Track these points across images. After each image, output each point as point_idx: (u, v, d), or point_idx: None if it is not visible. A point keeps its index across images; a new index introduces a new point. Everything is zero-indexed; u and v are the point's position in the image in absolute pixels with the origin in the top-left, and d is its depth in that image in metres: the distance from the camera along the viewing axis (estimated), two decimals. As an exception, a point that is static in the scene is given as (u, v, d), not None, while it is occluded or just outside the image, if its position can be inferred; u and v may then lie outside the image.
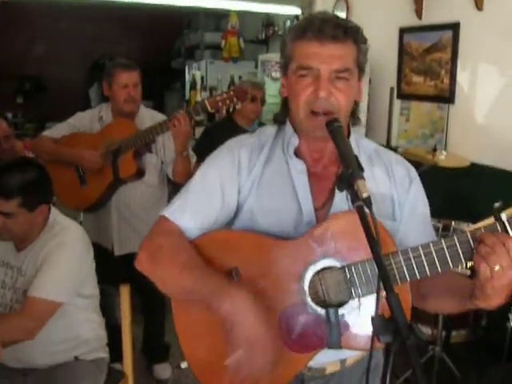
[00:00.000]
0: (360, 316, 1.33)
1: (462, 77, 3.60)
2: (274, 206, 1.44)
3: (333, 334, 1.30)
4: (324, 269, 1.35)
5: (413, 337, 0.97)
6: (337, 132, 1.32)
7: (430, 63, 3.79)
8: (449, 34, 3.59)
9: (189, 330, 1.42)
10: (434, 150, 3.42)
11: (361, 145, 1.54)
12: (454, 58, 3.60)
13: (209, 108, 2.81)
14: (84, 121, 3.21)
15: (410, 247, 1.30)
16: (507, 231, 1.22)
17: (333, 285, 1.34)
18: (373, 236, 1.09)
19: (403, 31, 3.99)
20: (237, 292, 1.28)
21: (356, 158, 1.23)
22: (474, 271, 1.25)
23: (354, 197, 1.15)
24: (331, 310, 1.31)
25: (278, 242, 1.38)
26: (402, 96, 4.11)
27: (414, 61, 3.93)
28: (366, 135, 4.24)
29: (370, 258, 1.29)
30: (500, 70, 3.32)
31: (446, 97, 3.68)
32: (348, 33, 1.36)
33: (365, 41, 1.41)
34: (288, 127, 1.51)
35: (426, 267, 1.28)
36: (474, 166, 3.40)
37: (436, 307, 1.51)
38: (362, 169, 1.20)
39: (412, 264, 1.29)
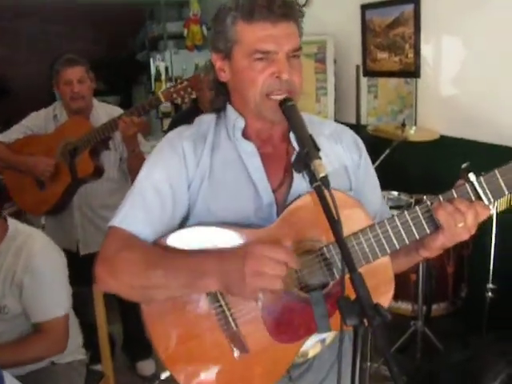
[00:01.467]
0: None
1: (426, 50, 3.58)
2: (229, 195, 1.40)
3: (320, 317, 1.27)
4: (301, 253, 1.32)
5: (379, 317, 0.95)
6: (291, 111, 1.29)
7: (393, 38, 3.77)
8: (410, 7, 3.57)
9: (159, 320, 1.37)
10: (403, 125, 3.43)
11: (314, 122, 1.51)
12: (416, 31, 3.57)
13: (162, 100, 2.77)
14: (38, 121, 3.16)
15: (377, 222, 1.30)
16: (477, 192, 1.24)
17: (313, 268, 1.32)
18: (333, 217, 1.07)
19: (365, 7, 3.95)
20: (213, 265, 1.23)
21: (311, 137, 1.20)
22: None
23: (312, 177, 1.12)
24: (315, 294, 1.29)
25: (247, 231, 1.34)
26: (369, 73, 4.09)
27: (377, 37, 3.90)
28: (335, 115, 4.24)
29: (348, 235, 1.29)
30: (463, 41, 3.30)
31: (412, 71, 3.67)
32: (293, 9, 1.34)
33: (302, 15, 1.38)
34: (230, 111, 1.46)
35: (395, 240, 1.29)
36: (443, 138, 3.40)
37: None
38: (317, 148, 1.17)
39: (381, 239, 1.29)
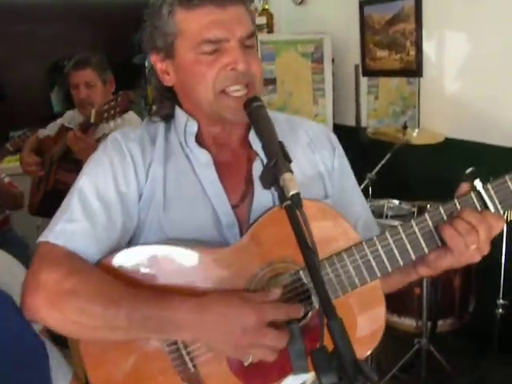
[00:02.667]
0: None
1: (428, 47, 3.38)
2: (185, 212, 1.20)
3: (297, 356, 1.04)
4: (272, 277, 1.12)
5: (361, 378, 0.73)
6: (258, 113, 1.08)
7: (393, 35, 3.58)
8: (411, 2, 3.37)
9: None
10: (405, 127, 3.24)
11: (280, 121, 1.32)
12: (418, 27, 3.37)
13: (92, 119, 2.48)
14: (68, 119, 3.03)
15: (366, 241, 1.11)
16: (484, 201, 1.10)
17: (287, 295, 1.12)
18: (306, 243, 0.85)
19: (363, 3, 3.75)
20: (193, 318, 1.03)
21: (281, 145, 0.99)
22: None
23: (281, 194, 0.91)
24: (290, 327, 1.05)
25: (208, 251, 1.14)
26: (368, 73, 3.89)
27: (376, 34, 3.71)
28: (334, 118, 4.04)
29: (329, 256, 1.10)
30: (468, 36, 3.10)
31: (414, 70, 3.47)
32: None
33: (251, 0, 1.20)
34: (180, 114, 1.26)
35: (387, 262, 1.11)
36: (448, 141, 3.20)
37: None
38: (288, 159, 0.95)
39: (370, 261, 1.11)
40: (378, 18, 3.66)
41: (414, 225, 1.10)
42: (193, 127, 1.23)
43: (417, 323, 2.90)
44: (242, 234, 1.18)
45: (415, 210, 2.73)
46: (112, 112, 2.43)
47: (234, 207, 1.21)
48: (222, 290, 1.11)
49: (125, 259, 1.13)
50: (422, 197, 3.03)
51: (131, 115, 2.76)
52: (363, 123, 3.99)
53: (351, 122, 3.94)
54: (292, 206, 0.89)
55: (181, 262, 1.12)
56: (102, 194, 1.16)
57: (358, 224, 1.30)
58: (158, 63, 1.21)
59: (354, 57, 3.92)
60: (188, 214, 1.19)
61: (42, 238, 1.14)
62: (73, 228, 1.13)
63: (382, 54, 3.70)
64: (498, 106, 2.96)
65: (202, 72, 1.14)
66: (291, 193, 0.89)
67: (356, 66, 3.89)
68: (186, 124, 1.23)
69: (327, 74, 3.98)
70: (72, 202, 1.17)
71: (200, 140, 1.25)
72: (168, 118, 1.28)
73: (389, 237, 1.10)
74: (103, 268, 1.12)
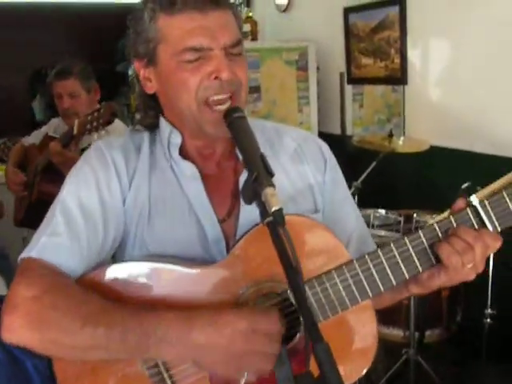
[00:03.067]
0: None
1: (413, 55, 3.37)
2: (169, 226, 1.15)
3: (284, 379, 0.98)
4: (259, 297, 1.08)
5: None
6: (238, 125, 1.03)
7: (378, 43, 3.56)
8: (395, 9, 3.36)
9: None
10: (390, 135, 3.20)
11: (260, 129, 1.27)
12: (402, 35, 3.36)
13: (75, 131, 2.42)
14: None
15: (357, 259, 1.06)
16: (481, 218, 1.06)
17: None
18: (289, 262, 0.81)
19: (348, 11, 3.74)
20: (177, 331, 0.98)
21: (262, 157, 0.94)
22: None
23: (263, 210, 0.86)
24: None
25: (191, 269, 1.08)
26: (353, 80, 3.88)
27: (361, 42, 3.69)
28: (319, 126, 4.02)
29: (319, 275, 1.05)
30: (452, 44, 3.09)
31: (398, 77, 3.45)
32: None
33: (238, 5, 1.16)
34: (164, 125, 1.21)
35: (379, 282, 1.06)
36: (433, 149, 3.15)
37: None
38: (270, 172, 0.91)
39: (362, 281, 1.06)
40: (363, 25, 3.64)
41: (408, 242, 1.05)
42: (176, 139, 1.18)
43: (404, 333, 2.86)
44: (228, 249, 1.14)
45: (402, 219, 2.70)
46: (95, 124, 2.38)
47: (220, 222, 1.17)
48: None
49: (107, 275, 1.08)
50: (409, 205, 3.00)
51: (117, 123, 2.71)
52: (348, 131, 3.96)
53: (336, 130, 3.91)
54: (274, 223, 0.84)
55: (165, 280, 1.07)
56: (85, 205, 1.12)
57: (352, 238, 1.26)
58: (140, 70, 1.17)
59: (339, 64, 3.90)
60: (172, 227, 1.15)
61: (23, 254, 1.09)
62: (55, 242, 1.08)
63: (366, 61, 3.68)
64: (483, 113, 2.95)
65: (184, 79, 1.09)
66: (273, 209, 0.85)
67: (341, 74, 3.87)
68: (169, 135, 1.19)
69: (312, 82, 3.96)
70: (54, 215, 1.12)
71: (184, 152, 1.20)
72: (152, 128, 1.23)
73: (381, 255, 1.05)
74: (86, 283, 1.08)
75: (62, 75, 2.74)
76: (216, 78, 1.08)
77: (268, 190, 0.87)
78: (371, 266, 1.05)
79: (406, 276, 1.06)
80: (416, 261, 1.05)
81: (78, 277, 1.08)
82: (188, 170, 1.18)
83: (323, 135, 3.91)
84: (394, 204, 3.11)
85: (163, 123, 1.21)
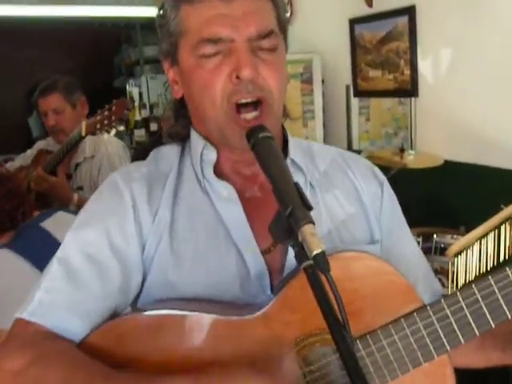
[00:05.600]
0: None
1: (423, 66, 3.22)
2: (199, 261, 0.97)
3: None
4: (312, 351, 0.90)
5: None
6: (265, 147, 0.86)
7: (386, 54, 3.41)
8: (404, 19, 3.21)
9: None
10: (402, 150, 3.10)
11: (313, 150, 1.13)
12: (412, 45, 3.21)
13: (83, 133, 2.31)
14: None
15: (430, 305, 0.88)
16: None
17: (331, 377, 0.89)
18: (333, 315, 0.64)
19: (353, 22, 3.59)
20: None
21: (297, 187, 0.78)
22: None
23: (300, 251, 0.70)
24: None
25: (227, 321, 0.91)
26: (360, 93, 3.72)
27: (368, 54, 3.54)
28: (324, 140, 3.87)
29: (384, 325, 0.87)
30: (465, 54, 2.94)
31: (409, 90, 3.29)
32: None
33: None
34: (195, 138, 1.05)
35: (458, 332, 0.88)
36: (447, 163, 3.02)
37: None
38: (307, 205, 0.75)
39: (437, 331, 0.87)
40: (370, 36, 3.50)
41: (493, 283, 0.87)
42: (210, 156, 1.02)
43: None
44: (272, 286, 0.97)
45: (420, 239, 2.53)
46: (106, 122, 2.26)
47: (264, 253, 1.00)
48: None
49: (119, 330, 0.92)
50: (423, 223, 2.85)
51: (111, 138, 2.59)
52: (354, 145, 3.83)
53: (342, 145, 3.75)
54: (314, 269, 0.68)
55: (191, 334, 0.90)
56: (92, 253, 0.95)
57: (418, 279, 1.09)
58: (169, 71, 1.04)
59: (345, 77, 3.76)
60: (206, 263, 0.98)
61: (18, 313, 0.93)
62: (51, 299, 0.92)
63: (374, 73, 3.53)
64: (497, 126, 2.80)
65: (204, 81, 0.94)
66: (314, 252, 0.68)
67: (347, 87, 3.73)
68: (202, 151, 1.02)
69: (317, 95, 3.83)
70: (53, 266, 0.96)
71: (220, 170, 1.03)
72: (182, 140, 1.08)
73: (461, 299, 0.87)
74: (91, 343, 0.91)
75: (46, 92, 2.69)
76: (237, 77, 0.92)
77: (306, 229, 0.71)
78: (449, 313, 0.87)
79: (492, 325, 0.88)
80: (505, 307, 0.87)
81: (81, 337, 0.92)
82: (224, 190, 1.01)
83: (329, 150, 3.78)
84: (407, 222, 2.95)
85: (194, 136, 1.05)
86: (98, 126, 2.26)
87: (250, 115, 0.94)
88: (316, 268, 0.69)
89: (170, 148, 1.09)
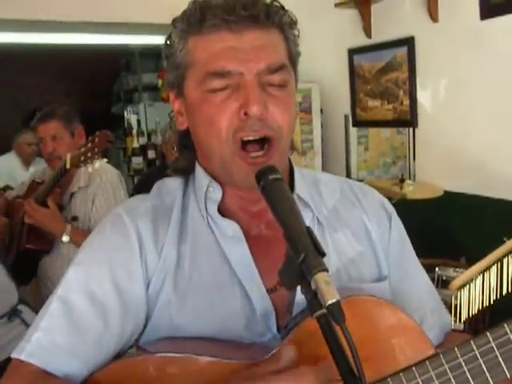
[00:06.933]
0: None
1: (423, 96, 3.21)
2: (203, 301, 0.94)
3: None
4: None
5: None
6: (275, 190, 0.83)
7: (385, 84, 3.42)
8: (403, 50, 3.22)
9: None
10: (402, 180, 3.09)
11: (320, 182, 1.09)
12: (411, 76, 3.22)
13: (68, 165, 2.29)
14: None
15: (443, 352, 0.82)
16: None
17: None
18: (347, 366, 0.60)
19: (352, 52, 3.61)
20: None
21: (309, 231, 0.74)
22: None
23: (311, 299, 0.66)
24: None
25: (231, 366, 0.86)
26: (358, 123, 3.72)
27: (367, 83, 3.54)
28: (323, 169, 3.85)
29: (394, 374, 0.81)
30: (464, 84, 2.93)
31: (408, 120, 3.29)
32: (271, 12, 0.91)
33: (294, 24, 0.96)
34: (199, 174, 1.01)
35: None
36: (447, 194, 3.00)
37: None
38: (321, 251, 0.71)
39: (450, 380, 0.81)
40: (369, 66, 3.50)
41: (508, 331, 0.81)
42: (216, 194, 0.98)
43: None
44: (279, 327, 0.93)
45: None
46: (89, 154, 2.24)
47: (270, 291, 0.96)
48: None
49: (116, 376, 0.86)
50: (423, 255, 2.79)
51: (105, 165, 2.55)
52: (353, 175, 3.83)
53: (341, 174, 3.72)
54: (328, 318, 0.64)
55: (188, 377, 0.85)
56: (94, 293, 0.91)
57: (425, 315, 1.06)
58: (175, 102, 1.00)
59: (344, 107, 3.76)
60: (209, 300, 0.94)
61: (14, 352, 0.88)
62: (51, 340, 0.88)
63: (373, 103, 3.53)
64: (498, 156, 2.78)
65: (210, 116, 0.90)
66: (329, 302, 0.64)
67: (345, 117, 3.74)
68: (207, 188, 0.99)
69: (316, 125, 3.82)
70: (53, 304, 0.91)
71: (226, 207, 1.00)
72: (186, 174, 1.04)
73: (475, 348, 0.81)
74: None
75: (45, 118, 2.66)
76: (245, 114, 0.88)
77: (320, 277, 0.67)
78: (463, 362, 0.81)
79: (507, 374, 0.81)
80: None
81: (80, 379, 0.88)
82: (229, 228, 0.97)
83: (327, 179, 3.75)
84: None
85: (199, 171, 1.01)
86: (82, 158, 2.24)
87: (255, 154, 0.91)
88: (330, 318, 0.65)
89: (173, 180, 1.05)
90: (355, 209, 1.07)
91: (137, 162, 5.11)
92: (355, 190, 1.10)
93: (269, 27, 0.90)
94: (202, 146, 0.96)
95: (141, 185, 3.45)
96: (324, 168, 3.86)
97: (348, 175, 3.76)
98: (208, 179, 0.98)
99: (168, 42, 0.96)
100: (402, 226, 1.12)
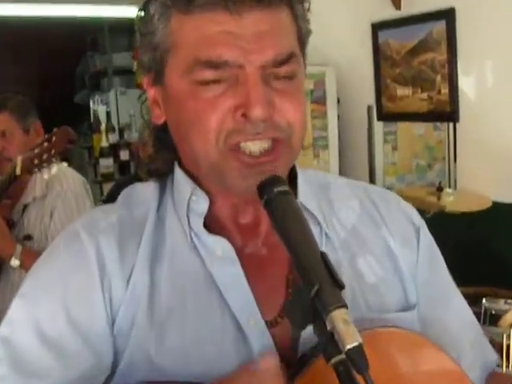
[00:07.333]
0: None
1: (465, 83, 3.26)
2: (188, 337, 0.94)
3: None
4: None
5: None
6: (281, 205, 0.84)
7: (418, 68, 3.47)
8: (441, 25, 3.27)
9: None
10: (439, 188, 3.13)
11: (330, 188, 1.11)
12: (451, 57, 3.26)
13: (18, 170, 2.29)
14: None
15: None
16: None
17: None
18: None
19: (377, 28, 3.66)
20: None
21: (324, 258, 0.75)
22: None
23: (328, 342, 0.67)
24: None
25: None
26: (385, 117, 3.78)
27: (396, 67, 3.60)
28: (341, 174, 3.84)
29: None
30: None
31: (447, 112, 3.34)
32: None
33: None
34: (180, 178, 1.02)
35: None
36: (496, 206, 3.03)
37: None
38: (339, 283, 0.72)
39: None
40: (397, 46, 3.55)
41: None
42: (201, 205, 0.99)
43: None
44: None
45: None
46: (45, 157, 2.24)
47: (270, 325, 0.96)
48: None
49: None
50: (468, 282, 2.82)
51: (65, 168, 2.56)
52: (378, 182, 3.87)
53: (363, 181, 3.75)
54: (348, 365, 0.65)
55: None
56: (46, 331, 0.91)
57: (464, 348, 1.07)
58: (149, 88, 1.01)
59: (366, 96, 3.81)
60: (195, 337, 0.94)
61: None
62: None
63: (403, 91, 3.58)
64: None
65: (197, 113, 0.91)
66: (348, 346, 0.65)
67: (369, 108, 3.80)
68: (190, 197, 0.99)
69: (331, 119, 3.88)
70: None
71: (213, 218, 1.00)
72: (164, 176, 1.06)
73: None
74: None
75: None
76: (243, 115, 0.89)
77: (338, 315, 0.68)
78: None
79: None
80: None
81: None
82: (218, 247, 0.97)
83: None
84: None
85: (179, 175, 1.02)
86: (36, 161, 2.24)
87: (256, 149, 0.91)
88: (349, 365, 0.66)
89: (146, 186, 1.06)
90: (377, 226, 1.08)
91: (106, 164, 5.12)
92: (376, 201, 1.12)
93: (276, 5, 0.91)
94: (184, 147, 0.97)
95: (113, 195, 3.46)
96: (342, 172, 3.91)
97: (372, 181, 3.80)
98: (191, 186, 0.99)
99: (144, 16, 0.96)
100: (433, 241, 1.14)
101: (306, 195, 1.04)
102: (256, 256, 1.01)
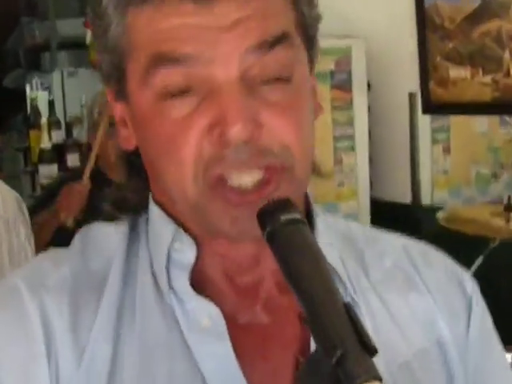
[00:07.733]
0: None
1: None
2: None
3: None
4: None
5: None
6: (292, 240, 0.84)
7: (479, 41, 3.53)
8: (511, -19, 3.32)
9: None
10: (508, 207, 3.16)
11: (357, 241, 1.14)
12: (524, 27, 3.31)
13: None
14: None
15: None
16: None
17: None
18: None
19: (423, -13, 3.72)
20: None
21: (349, 312, 0.76)
22: None
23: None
24: None
25: None
26: (433, 108, 3.80)
27: (448, 40, 3.66)
28: (371, 189, 3.93)
29: None
30: None
31: (518, 102, 3.37)
32: None
33: None
34: (156, 216, 1.03)
35: None
36: None
37: None
38: (370, 347, 0.73)
39: None
40: (451, 10, 3.61)
41: None
42: (186, 254, 0.99)
43: None
44: None
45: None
46: None
47: None
48: None
49: None
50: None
51: None
52: (424, 197, 3.92)
53: (404, 197, 3.88)
54: None
55: None
56: None
57: None
58: (114, 106, 1.04)
59: (408, 80, 3.87)
60: None
61: None
62: None
63: (459, 73, 3.63)
64: None
65: (167, 139, 0.92)
66: None
67: (411, 96, 3.86)
68: (170, 245, 1.00)
69: (359, 110, 3.93)
70: None
71: (199, 272, 1.00)
72: (134, 213, 1.07)
73: None
74: None
75: None
76: (222, 135, 0.89)
77: None
78: None
79: None
80: None
81: None
82: (203, 315, 0.98)
83: (378, 205, 3.82)
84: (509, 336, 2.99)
85: (156, 213, 1.03)
86: None
87: (249, 180, 0.91)
88: None
89: (109, 228, 1.07)
90: (417, 294, 1.11)
91: (47, 173, 5.10)
92: (418, 265, 1.14)
93: None
94: (157, 180, 0.99)
95: (46, 198, 3.57)
96: (372, 186, 3.96)
97: (415, 198, 3.85)
98: (172, 227, 1.00)
99: (94, 8, 0.98)
100: (487, 312, 1.17)
101: (327, 243, 1.05)
102: (254, 327, 1.02)
